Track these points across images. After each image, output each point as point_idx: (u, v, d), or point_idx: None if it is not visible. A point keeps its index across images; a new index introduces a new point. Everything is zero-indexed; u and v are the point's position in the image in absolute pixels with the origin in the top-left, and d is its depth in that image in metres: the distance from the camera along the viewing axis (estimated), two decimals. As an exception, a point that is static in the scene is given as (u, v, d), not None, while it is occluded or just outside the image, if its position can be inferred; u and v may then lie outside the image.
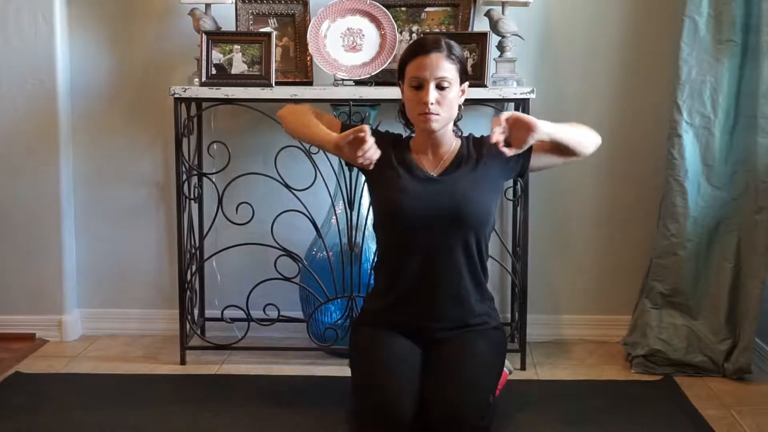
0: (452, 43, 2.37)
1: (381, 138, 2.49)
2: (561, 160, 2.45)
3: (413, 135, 2.51)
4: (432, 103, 2.31)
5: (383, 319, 2.43)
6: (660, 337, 2.91)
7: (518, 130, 2.26)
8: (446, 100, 2.34)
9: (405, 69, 2.37)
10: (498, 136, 2.21)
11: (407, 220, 2.34)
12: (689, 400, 2.63)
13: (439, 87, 2.32)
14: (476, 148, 2.45)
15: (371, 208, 2.57)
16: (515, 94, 2.82)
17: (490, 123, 2.25)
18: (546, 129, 2.29)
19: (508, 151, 2.27)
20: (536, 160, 2.44)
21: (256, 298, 2.97)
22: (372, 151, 2.28)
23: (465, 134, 2.52)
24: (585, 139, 2.43)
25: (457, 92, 2.37)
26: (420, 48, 2.35)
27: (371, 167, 2.31)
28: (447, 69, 2.32)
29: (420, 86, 2.33)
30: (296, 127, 2.49)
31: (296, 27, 3.00)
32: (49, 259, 3.21)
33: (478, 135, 2.52)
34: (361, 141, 2.26)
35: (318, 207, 2.93)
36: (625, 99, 3.13)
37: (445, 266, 2.37)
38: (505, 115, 2.24)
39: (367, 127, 2.27)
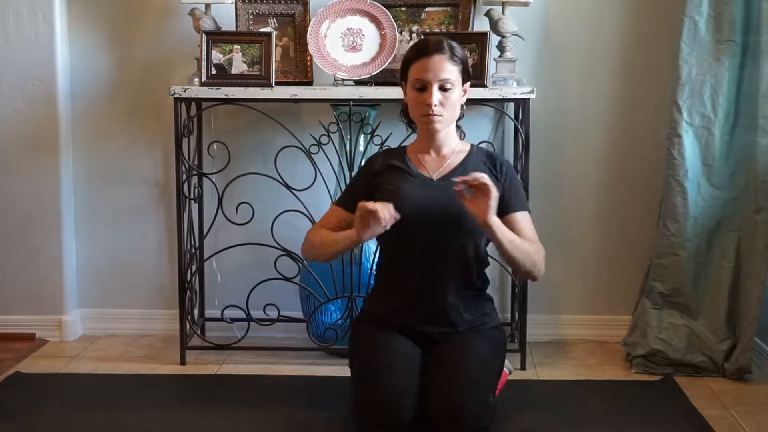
0: (454, 44, 2.37)
1: (371, 166, 2.48)
2: (502, 255, 2.35)
3: (409, 143, 2.51)
4: (435, 105, 2.32)
5: (383, 320, 2.43)
6: (660, 337, 2.91)
7: (480, 198, 2.20)
8: (449, 102, 2.35)
9: (408, 70, 2.38)
10: (463, 185, 2.18)
11: (408, 224, 2.34)
12: (689, 400, 2.63)
13: (442, 88, 2.33)
14: (491, 164, 2.43)
15: None
16: (515, 94, 2.82)
17: (471, 177, 2.19)
18: (494, 224, 2.21)
19: (462, 201, 2.22)
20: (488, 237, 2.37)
21: (256, 298, 2.97)
22: (385, 213, 2.23)
23: (468, 137, 2.52)
24: (521, 258, 2.31)
25: (459, 93, 2.38)
26: (423, 50, 2.35)
27: (398, 217, 2.25)
28: (450, 71, 2.33)
29: (423, 88, 2.34)
30: (323, 253, 2.46)
31: (296, 27, 3.00)
32: (49, 259, 3.21)
33: (478, 134, 2.52)
34: (372, 214, 2.22)
35: (318, 207, 2.93)
36: (625, 99, 3.13)
37: (444, 269, 2.38)
38: (481, 178, 2.17)
39: (362, 204, 2.23)
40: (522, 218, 2.41)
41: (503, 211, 2.36)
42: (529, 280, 2.61)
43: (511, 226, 2.36)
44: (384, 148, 2.55)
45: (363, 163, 2.56)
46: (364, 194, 2.41)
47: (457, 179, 2.20)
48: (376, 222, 2.22)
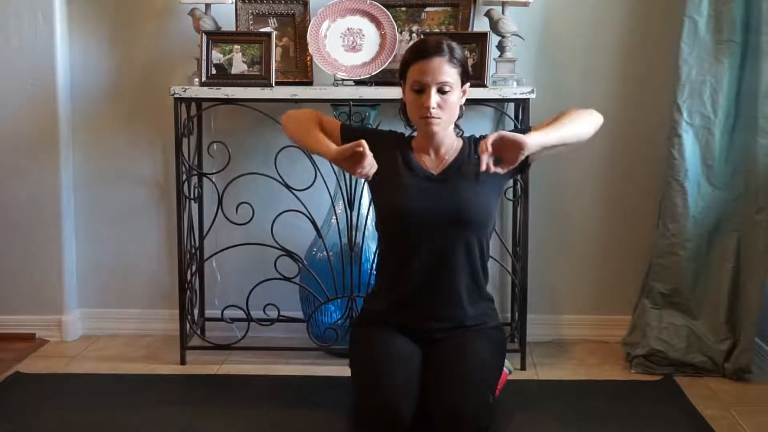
0: (454, 45, 2.37)
1: (383, 137, 2.50)
2: (563, 150, 2.44)
3: (414, 135, 2.51)
4: (433, 108, 2.32)
5: (383, 319, 2.43)
6: (660, 337, 2.91)
7: (507, 149, 2.25)
8: (448, 104, 2.35)
9: (407, 72, 2.38)
10: (486, 162, 2.22)
11: (408, 219, 2.35)
12: (689, 400, 2.63)
13: (441, 91, 2.33)
14: (477, 150, 2.45)
15: (372, 207, 2.58)
16: (515, 94, 2.82)
17: (480, 146, 2.24)
18: (537, 141, 2.28)
19: (501, 170, 2.27)
20: (535, 157, 2.43)
21: (256, 298, 2.97)
22: (370, 167, 2.30)
23: (466, 135, 2.53)
24: (581, 129, 2.41)
25: (458, 95, 2.38)
26: (422, 52, 2.35)
27: (369, 179, 2.33)
28: (448, 73, 2.33)
29: (422, 90, 2.34)
30: (296, 134, 2.50)
31: (296, 27, 3.00)
32: (49, 259, 3.21)
33: (478, 135, 2.52)
34: (360, 156, 2.28)
35: (318, 207, 2.93)
36: (625, 99, 3.12)
37: (445, 266, 2.38)
38: (490, 138, 2.23)
39: (364, 142, 2.29)
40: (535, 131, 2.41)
41: (525, 160, 2.38)
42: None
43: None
44: (400, 133, 2.56)
45: (386, 130, 2.56)
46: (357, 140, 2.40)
47: (481, 154, 2.22)
48: (358, 162, 2.28)
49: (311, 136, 2.44)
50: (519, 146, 2.24)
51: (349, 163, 2.32)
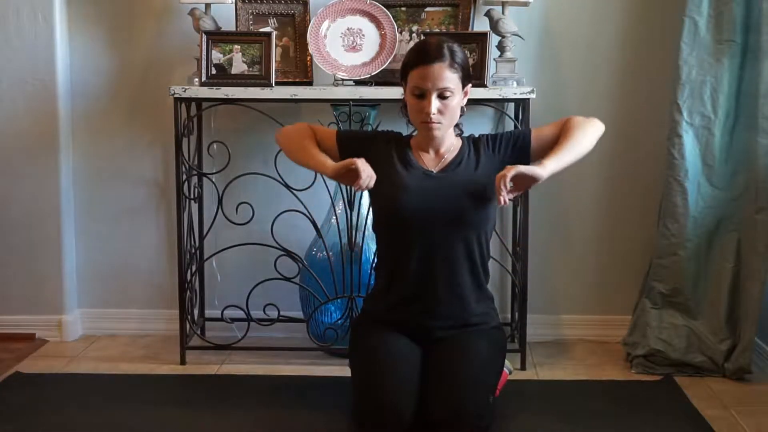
0: (455, 48, 2.36)
1: (380, 138, 2.50)
2: None
3: (413, 134, 2.51)
4: (434, 113, 2.33)
5: (383, 319, 2.43)
6: (660, 337, 2.91)
7: (522, 180, 2.25)
8: (448, 109, 2.35)
9: (407, 75, 2.37)
10: (504, 198, 2.22)
11: (406, 217, 2.35)
12: (689, 400, 2.63)
13: (441, 96, 2.33)
14: (476, 148, 2.45)
15: (371, 207, 2.58)
16: (515, 94, 2.82)
17: (497, 181, 2.23)
18: (551, 171, 2.28)
19: (511, 196, 2.25)
20: (535, 161, 2.43)
21: (256, 298, 2.97)
22: (368, 179, 2.31)
23: (466, 134, 2.53)
24: (587, 145, 2.41)
25: (459, 99, 2.38)
26: (423, 57, 2.34)
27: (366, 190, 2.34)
28: (449, 79, 2.33)
29: (422, 95, 2.34)
30: (291, 153, 2.52)
31: (296, 27, 3.00)
32: (49, 259, 3.21)
33: (477, 134, 2.52)
34: (355, 173, 2.29)
35: (318, 207, 2.93)
36: (625, 99, 3.13)
37: (445, 265, 2.38)
38: (509, 175, 2.22)
39: (356, 160, 2.29)
40: (536, 135, 2.44)
41: (525, 157, 2.42)
42: None
43: (539, 143, 2.42)
44: (397, 132, 2.57)
45: (381, 130, 2.57)
46: (355, 150, 2.43)
47: (499, 186, 2.22)
48: (355, 179, 2.28)
49: (306, 153, 2.45)
50: (533, 179, 2.25)
51: (347, 178, 2.34)
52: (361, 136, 2.59)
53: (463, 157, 2.43)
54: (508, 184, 2.22)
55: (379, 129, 2.84)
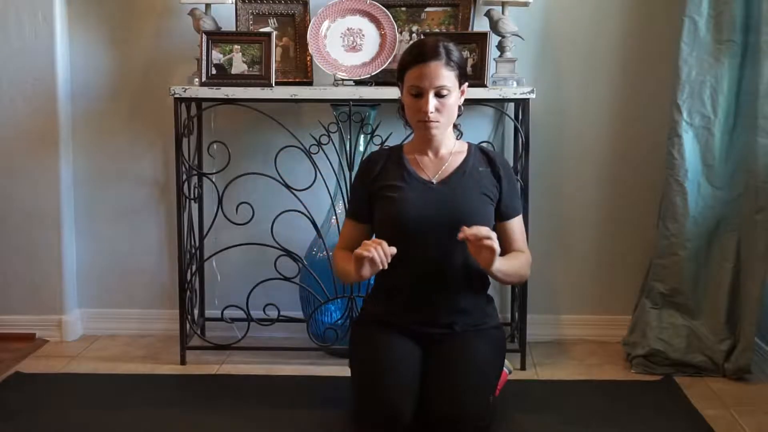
0: (451, 47, 2.36)
1: (371, 166, 2.48)
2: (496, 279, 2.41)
3: (406, 142, 2.52)
4: (431, 112, 2.32)
5: (383, 320, 2.43)
6: (660, 337, 2.91)
7: (481, 251, 2.23)
8: (445, 107, 2.35)
9: (404, 75, 2.37)
10: (464, 235, 2.20)
11: (408, 228, 2.34)
12: (689, 400, 2.63)
13: (438, 95, 2.33)
14: (485, 161, 2.45)
15: (374, 218, 2.56)
16: (515, 94, 2.82)
17: (477, 228, 2.22)
18: (496, 268, 2.26)
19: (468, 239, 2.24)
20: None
21: (256, 298, 2.97)
22: (380, 253, 2.23)
23: (466, 136, 2.52)
24: (513, 278, 2.43)
25: (456, 97, 2.37)
26: (419, 56, 2.34)
27: (394, 252, 2.25)
28: (446, 77, 2.32)
29: (419, 94, 2.34)
30: (345, 280, 2.55)
31: (296, 27, 3.00)
32: (49, 259, 3.21)
33: (478, 134, 2.52)
34: (368, 260, 2.23)
35: (318, 207, 2.93)
36: (625, 99, 3.13)
37: (444, 271, 2.38)
38: (487, 242, 2.20)
39: (356, 252, 2.23)
40: (516, 224, 2.48)
41: (499, 218, 2.44)
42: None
43: (504, 233, 2.43)
44: (380, 147, 2.56)
45: (361, 165, 2.55)
46: (363, 205, 2.45)
47: (460, 233, 2.21)
48: (372, 264, 2.24)
49: (347, 274, 2.39)
50: (487, 261, 2.23)
51: (369, 265, 2.25)
52: (354, 193, 2.54)
53: (466, 167, 2.42)
54: (471, 236, 2.20)
55: (379, 130, 2.85)
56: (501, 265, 2.29)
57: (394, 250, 2.24)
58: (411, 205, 2.36)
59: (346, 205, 2.84)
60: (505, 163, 2.50)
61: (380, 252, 2.22)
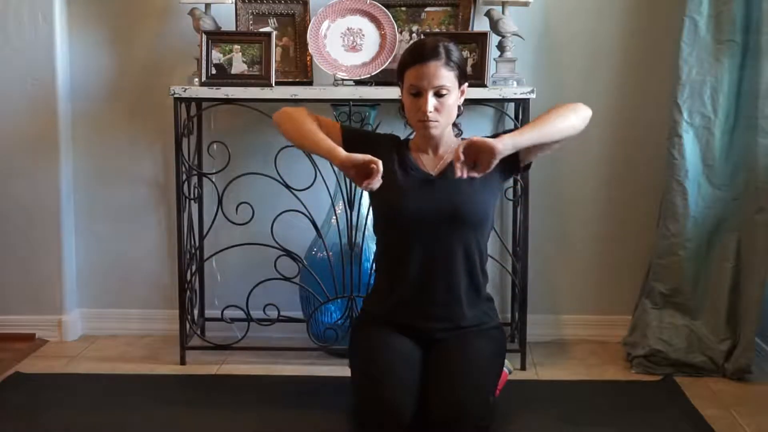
0: (451, 47, 2.36)
1: (381, 140, 2.50)
2: (554, 147, 2.41)
3: (411, 138, 2.52)
4: (431, 112, 2.33)
5: (383, 319, 2.43)
6: (660, 337, 2.91)
7: (481, 154, 2.24)
8: (445, 107, 2.35)
9: (404, 74, 2.38)
10: (460, 170, 2.21)
11: (406, 221, 2.35)
12: (689, 400, 2.63)
13: (437, 95, 2.33)
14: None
15: (371, 210, 2.57)
16: (515, 94, 2.82)
17: (454, 156, 2.24)
18: (509, 144, 2.25)
19: (477, 174, 2.25)
20: (527, 156, 2.42)
21: (256, 298, 2.97)
22: (377, 183, 2.26)
23: (466, 135, 2.52)
24: (564, 124, 2.36)
25: (455, 97, 2.38)
26: (418, 56, 2.34)
27: (374, 188, 2.28)
28: (445, 77, 2.33)
29: (418, 94, 2.34)
30: (295, 135, 2.46)
31: (296, 27, 3.00)
32: (49, 259, 3.21)
33: (478, 134, 2.52)
34: (373, 172, 2.25)
35: (318, 207, 2.93)
36: (625, 99, 3.12)
37: (443, 266, 2.38)
38: (461, 146, 2.23)
39: (380, 162, 2.25)
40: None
41: (514, 161, 2.39)
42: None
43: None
44: (396, 135, 2.57)
45: (383, 133, 2.56)
46: (357, 147, 2.37)
47: (456, 174, 2.22)
48: (366, 178, 2.25)
49: (314, 137, 2.39)
50: (490, 151, 2.23)
51: (357, 172, 2.29)
52: (367, 135, 2.57)
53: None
54: (461, 155, 2.21)
55: (379, 130, 2.85)
56: (519, 137, 2.28)
57: (376, 185, 2.25)
58: (410, 198, 2.37)
59: (346, 205, 2.85)
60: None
61: (378, 180, 2.25)
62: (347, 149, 2.36)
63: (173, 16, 3.11)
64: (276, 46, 2.91)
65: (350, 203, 2.85)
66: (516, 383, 2.70)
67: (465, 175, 2.23)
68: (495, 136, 2.36)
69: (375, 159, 2.26)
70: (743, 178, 2.85)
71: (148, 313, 3.29)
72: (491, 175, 2.34)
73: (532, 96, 2.81)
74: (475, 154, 2.23)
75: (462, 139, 2.50)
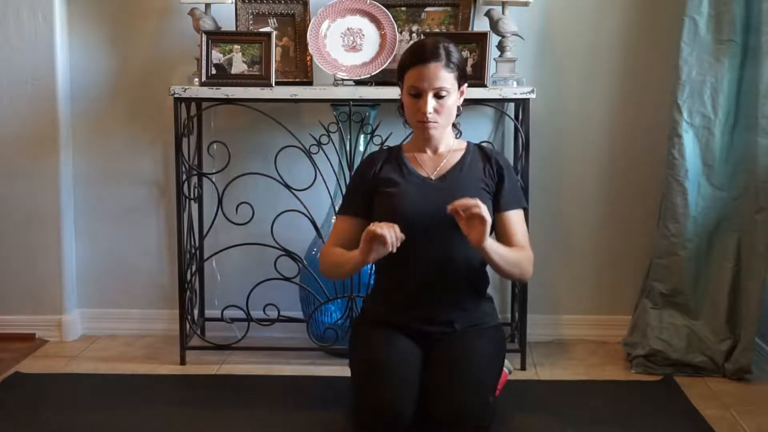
0: (451, 48, 2.36)
1: (370, 165, 2.48)
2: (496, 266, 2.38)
3: (404, 143, 2.52)
4: (430, 113, 2.33)
5: (383, 319, 2.43)
6: (660, 337, 2.91)
7: (473, 224, 2.22)
8: (444, 108, 2.35)
9: (404, 75, 2.38)
10: (453, 209, 2.20)
11: (407, 225, 2.34)
12: (689, 400, 2.63)
13: (437, 96, 2.34)
14: (482, 158, 2.45)
15: (373, 214, 2.56)
16: (515, 94, 2.82)
17: (466, 200, 2.21)
18: (486, 245, 2.23)
19: (458, 215, 2.23)
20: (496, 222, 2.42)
21: (256, 298, 2.97)
22: (392, 235, 2.21)
23: (466, 135, 2.53)
24: (515, 271, 2.39)
25: (455, 98, 2.38)
26: (418, 57, 2.34)
27: (404, 238, 2.23)
28: (445, 78, 2.33)
29: (418, 95, 2.34)
30: (339, 276, 2.53)
31: (296, 27, 3.00)
32: (49, 259, 3.21)
33: (478, 134, 2.53)
34: (380, 238, 2.21)
35: (318, 207, 2.93)
36: (625, 99, 3.13)
37: (444, 269, 2.38)
38: (477, 210, 2.18)
39: (369, 228, 2.22)
40: (515, 217, 2.44)
41: (498, 209, 2.42)
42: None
43: (503, 225, 2.42)
44: (378, 148, 2.56)
45: (360, 164, 2.55)
46: (363, 200, 2.43)
47: (449, 206, 2.21)
48: (382, 245, 2.21)
49: (342, 264, 2.38)
50: (478, 236, 2.21)
51: (378, 247, 2.23)
52: (356, 185, 2.52)
53: (464, 163, 2.43)
54: (460, 206, 2.19)
55: (379, 130, 2.85)
56: (497, 246, 2.30)
57: (403, 236, 2.21)
58: (410, 201, 2.37)
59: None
60: (504, 160, 2.50)
61: (392, 234, 2.20)
62: (361, 212, 2.41)
63: (173, 16, 3.11)
64: (276, 46, 2.91)
65: (350, 203, 2.85)
66: (516, 383, 2.70)
67: (451, 210, 2.21)
68: (500, 172, 2.41)
69: (370, 230, 2.22)
70: (743, 178, 2.85)
71: (148, 313, 3.29)
72: (490, 185, 2.40)
73: (532, 96, 2.81)
74: (469, 219, 2.21)
75: (469, 142, 2.50)
